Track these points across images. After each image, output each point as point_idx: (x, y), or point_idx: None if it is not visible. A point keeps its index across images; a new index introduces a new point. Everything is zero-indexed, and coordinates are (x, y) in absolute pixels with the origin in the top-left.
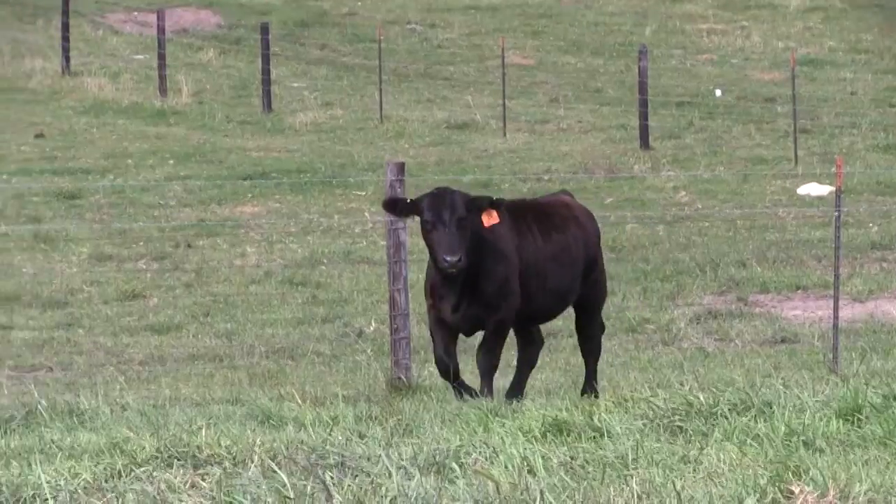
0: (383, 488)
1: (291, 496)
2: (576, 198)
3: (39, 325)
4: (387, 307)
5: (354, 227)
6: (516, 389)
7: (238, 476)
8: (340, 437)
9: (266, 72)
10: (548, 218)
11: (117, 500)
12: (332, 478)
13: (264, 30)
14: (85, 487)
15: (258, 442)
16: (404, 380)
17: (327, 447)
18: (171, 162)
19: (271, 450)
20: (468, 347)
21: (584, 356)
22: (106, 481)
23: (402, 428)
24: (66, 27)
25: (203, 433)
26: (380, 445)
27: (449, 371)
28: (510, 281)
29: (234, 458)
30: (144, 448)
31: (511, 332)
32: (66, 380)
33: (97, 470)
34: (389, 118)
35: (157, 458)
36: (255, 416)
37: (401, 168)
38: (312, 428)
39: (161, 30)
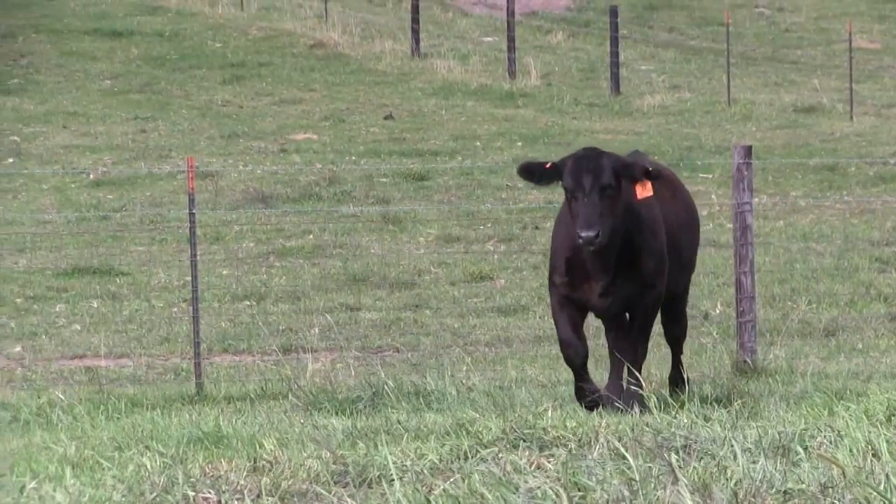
0: (728, 471)
1: (637, 478)
2: None
3: (387, 305)
4: (733, 290)
5: (701, 209)
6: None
7: (583, 458)
8: (686, 420)
9: (614, 55)
10: (670, 183)
11: (463, 481)
12: (677, 460)
13: (613, 13)
14: (431, 468)
15: (604, 424)
16: (749, 363)
17: (673, 429)
18: (520, 144)
19: (617, 432)
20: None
21: (671, 340)
22: (452, 462)
23: (747, 411)
24: (415, 9)
25: (549, 415)
26: (725, 428)
27: (579, 357)
28: (665, 255)
29: (579, 440)
30: (490, 429)
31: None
32: (413, 361)
33: (443, 451)
34: (737, 101)
35: (502, 439)
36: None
37: (748, 151)
38: (658, 410)
39: (510, 12)
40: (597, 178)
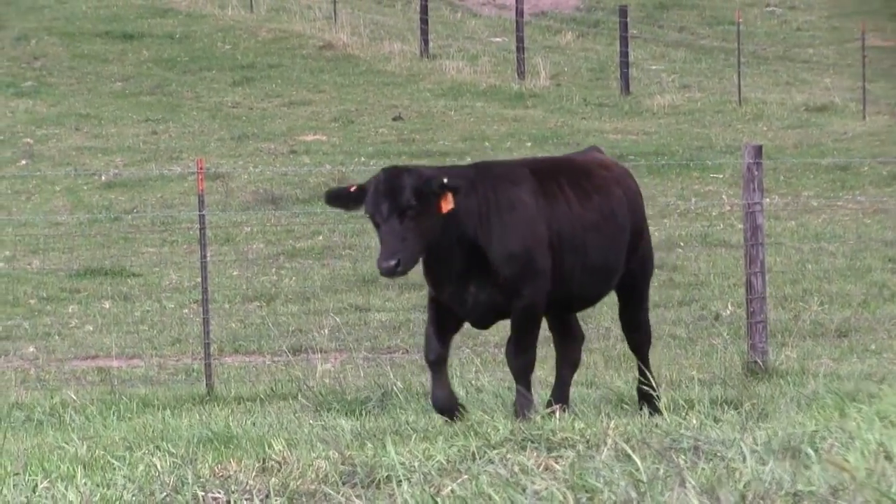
0: (737, 473)
1: (644, 480)
2: None
3: (396, 306)
4: (743, 290)
5: (712, 209)
6: (559, 395)
7: (591, 459)
8: (695, 421)
9: (624, 54)
10: (586, 178)
11: (471, 482)
12: (685, 461)
13: (623, 12)
14: (439, 469)
15: (612, 425)
16: (760, 364)
17: (681, 431)
18: (529, 144)
19: (625, 433)
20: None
21: (633, 348)
22: (460, 463)
23: (757, 412)
24: (424, 10)
25: (557, 416)
26: (734, 430)
27: (432, 354)
28: (534, 258)
29: (587, 442)
30: (499, 430)
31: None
32: (422, 362)
33: (451, 452)
34: (748, 101)
35: (510, 440)
36: (610, 399)
37: (758, 151)
38: (667, 411)
39: (519, 12)
40: (395, 202)
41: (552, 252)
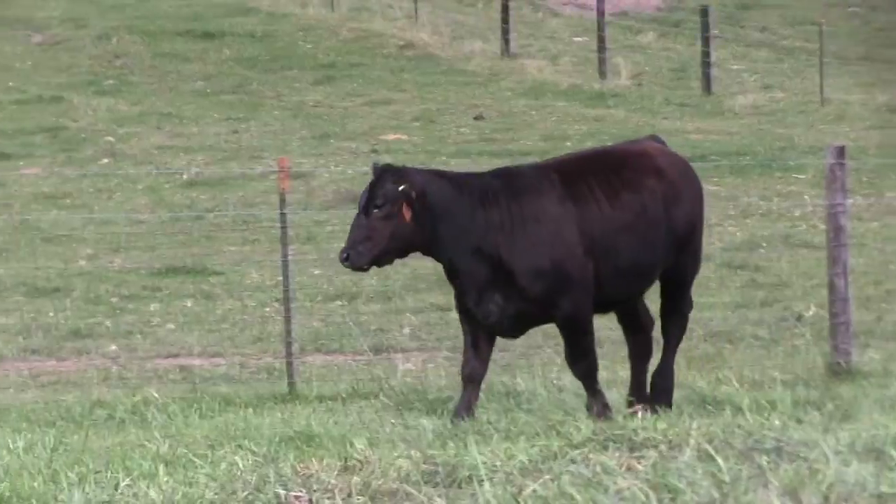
0: (820, 474)
1: (727, 480)
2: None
3: None
4: (826, 291)
5: (794, 210)
6: (639, 394)
7: (673, 460)
8: (777, 422)
9: (706, 54)
10: (615, 173)
11: (553, 482)
12: (768, 462)
13: (704, 12)
14: (520, 469)
15: (694, 426)
16: (843, 365)
17: (764, 432)
18: (610, 144)
19: (707, 434)
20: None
21: (665, 336)
22: (542, 463)
23: (840, 413)
24: (505, 9)
25: (639, 416)
26: (817, 431)
27: (469, 373)
28: (567, 271)
29: (669, 442)
30: (580, 430)
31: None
32: (504, 361)
33: (533, 452)
34: (830, 101)
35: (592, 440)
36: (692, 399)
37: (841, 151)
38: (749, 412)
39: (601, 12)
40: (368, 198)
41: (589, 256)
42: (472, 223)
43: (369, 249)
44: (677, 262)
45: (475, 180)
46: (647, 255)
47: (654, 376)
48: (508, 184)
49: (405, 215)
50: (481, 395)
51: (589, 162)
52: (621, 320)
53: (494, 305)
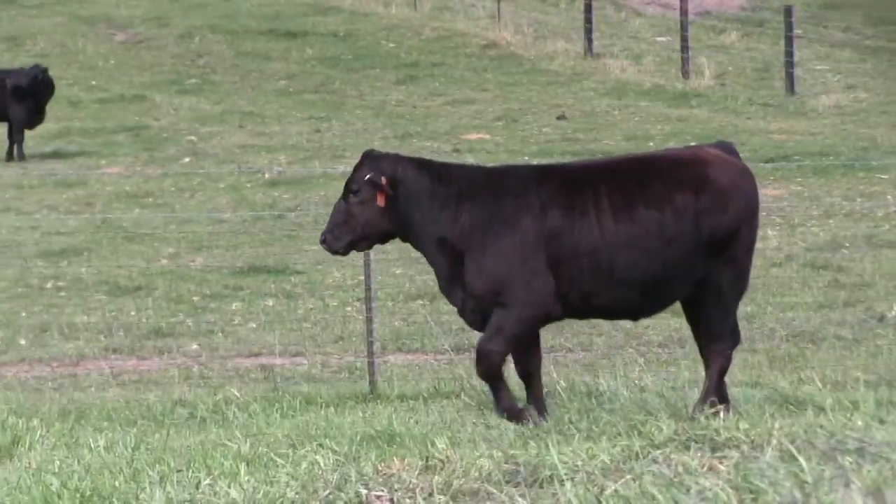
0: None
1: (810, 481)
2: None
3: None
4: None
5: (877, 210)
6: (719, 395)
7: (755, 460)
8: (860, 422)
9: (789, 54)
10: (639, 184)
11: (634, 482)
12: (850, 463)
13: (788, 12)
14: (602, 469)
15: (776, 426)
16: None
17: (847, 432)
18: (693, 144)
19: (790, 434)
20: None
21: (705, 362)
22: (623, 463)
23: None
24: (588, 9)
25: (721, 416)
26: None
27: (521, 373)
28: (513, 288)
29: (751, 442)
30: (662, 430)
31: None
32: (586, 361)
33: (614, 451)
34: None
35: (674, 440)
36: (775, 399)
37: None
38: (832, 412)
39: (684, 12)
40: (349, 182)
41: (566, 265)
42: (440, 215)
43: (345, 234)
44: (710, 272)
45: (462, 174)
46: (655, 269)
47: (699, 401)
48: (493, 182)
49: (379, 202)
50: (562, 394)
51: (611, 170)
52: (693, 330)
53: (458, 298)
